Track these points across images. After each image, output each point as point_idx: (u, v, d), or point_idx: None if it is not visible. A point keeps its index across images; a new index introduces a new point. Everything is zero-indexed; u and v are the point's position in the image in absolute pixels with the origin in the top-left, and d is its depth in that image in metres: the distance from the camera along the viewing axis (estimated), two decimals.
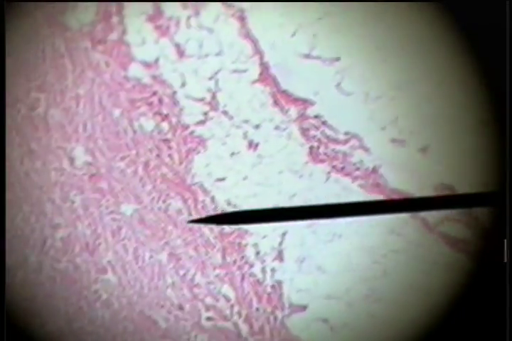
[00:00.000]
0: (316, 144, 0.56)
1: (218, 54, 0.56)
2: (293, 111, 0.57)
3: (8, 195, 0.56)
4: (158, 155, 0.57)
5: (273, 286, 0.57)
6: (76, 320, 0.56)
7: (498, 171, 0.55)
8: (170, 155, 0.57)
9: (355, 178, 0.56)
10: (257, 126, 0.57)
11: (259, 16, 0.56)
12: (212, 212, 0.57)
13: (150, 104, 0.57)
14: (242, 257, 0.57)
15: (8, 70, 0.57)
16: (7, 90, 0.54)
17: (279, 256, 0.57)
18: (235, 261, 0.57)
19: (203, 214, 0.57)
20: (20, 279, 0.56)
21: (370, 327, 0.55)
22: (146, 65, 0.56)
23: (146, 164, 0.57)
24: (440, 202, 0.55)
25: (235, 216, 0.54)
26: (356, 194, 0.56)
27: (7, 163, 0.56)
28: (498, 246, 0.55)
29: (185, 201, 0.57)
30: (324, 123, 0.56)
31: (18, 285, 0.56)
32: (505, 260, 0.52)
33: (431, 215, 0.55)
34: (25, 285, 0.56)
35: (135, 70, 0.57)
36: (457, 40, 0.54)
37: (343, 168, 0.56)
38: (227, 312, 0.57)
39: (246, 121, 0.57)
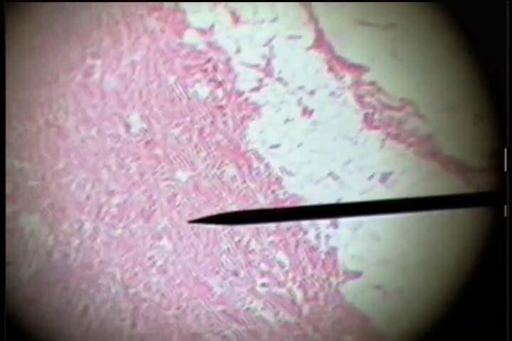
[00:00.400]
0: (370, 111, 0.60)
1: (273, 20, 0.60)
2: (348, 77, 0.60)
3: (65, 162, 0.60)
4: (212, 122, 0.61)
5: (327, 253, 0.60)
6: (131, 286, 0.60)
7: None
8: (224, 122, 0.61)
9: (409, 145, 0.60)
10: (312, 93, 0.61)
11: None
12: (266, 179, 0.60)
13: (205, 71, 0.61)
14: (296, 224, 0.61)
15: (62, 37, 0.61)
16: (63, 57, 0.58)
17: (334, 223, 0.60)
18: (289, 228, 0.61)
19: (258, 181, 0.61)
20: (75, 246, 0.61)
21: (423, 294, 0.59)
22: (201, 31, 0.60)
23: (201, 131, 0.61)
24: (440, 202, 0.58)
25: (235, 216, 0.58)
26: (410, 161, 0.59)
27: (63, 131, 0.61)
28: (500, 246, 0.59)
29: (239, 168, 0.61)
30: (379, 89, 0.60)
31: (73, 252, 0.61)
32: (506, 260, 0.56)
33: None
34: (80, 252, 0.61)
35: (190, 37, 0.61)
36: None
37: (397, 135, 0.60)
38: (282, 278, 0.61)
39: (301, 88, 0.61)
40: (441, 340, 0.62)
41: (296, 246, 0.62)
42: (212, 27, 0.62)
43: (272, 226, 0.62)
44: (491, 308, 0.61)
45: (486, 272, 0.61)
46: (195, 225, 0.62)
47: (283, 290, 0.62)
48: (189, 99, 0.62)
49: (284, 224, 0.62)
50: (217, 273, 0.62)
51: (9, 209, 0.61)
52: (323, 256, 0.62)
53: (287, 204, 0.62)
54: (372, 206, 0.59)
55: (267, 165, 0.62)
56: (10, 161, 0.61)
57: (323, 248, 0.62)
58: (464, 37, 0.61)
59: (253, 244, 0.62)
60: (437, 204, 0.58)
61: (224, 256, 0.62)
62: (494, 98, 0.60)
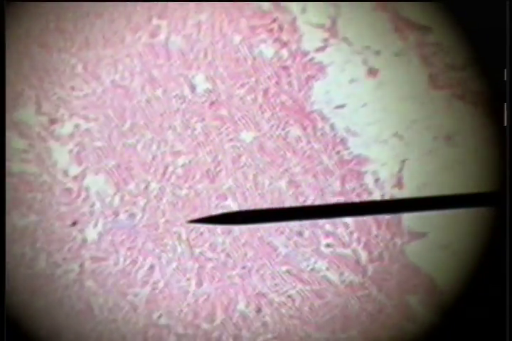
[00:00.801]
0: (435, 71, 0.63)
1: None
2: (413, 37, 0.64)
3: (130, 122, 0.65)
4: (277, 83, 0.65)
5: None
6: (197, 245, 0.65)
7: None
8: (289, 83, 0.65)
9: (474, 105, 0.63)
10: (378, 53, 0.64)
11: None
12: (330, 140, 0.64)
13: (270, 31, 0.65)
14: (361, 184, 0.65)
15: None
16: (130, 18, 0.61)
17: (399, 183, 0.64)
18: (354, 189, 0.65)
19: (322, 142, 0.65)
20: (141, 206, 0.65)
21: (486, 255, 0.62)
22: None
23: (266, 91, 0.65)
24: (440, 202, 0.61)
25: (235, 216, 0.62)
26: (478, 120, 0.63)
27: (129, 91, 0.65)
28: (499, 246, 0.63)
29: (304, 128, 0.65)
30: (443, 50, 0.63)
31: (139, 211, 0.65)
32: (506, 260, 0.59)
33: None
34: (146, 211, 0.65)
35: None
36: None
37: (463, 95, 0.63)
38: (347, 238, 0.64)
39: (366, 48, 0.64)
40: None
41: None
42: None
43: (336, 186, 0.66)
44: (491, 308, 0.64)
45: (486, 272, 0.65)
46: (261, 184, 0.66)
47: (347, 251, 0.66)
48: (254, 59, 0.66)
49: (349, 185, 0.66)
50: (281, 233, 0.66)
51: (75, 170, 0.65)
52: (387, 216, 0.65)
53: (352, 165, 0.66)
54: (373, 206, 0.63)
55: (332, 126, 0.66)
56: (76, 121, 0.66)
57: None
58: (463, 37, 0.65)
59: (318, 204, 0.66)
60: (437, 204, 0.61)
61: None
62: None
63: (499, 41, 0.62)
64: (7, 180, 0.67)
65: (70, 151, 0.67)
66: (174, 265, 0.67)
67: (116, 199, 0.67)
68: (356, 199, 0.67)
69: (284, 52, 0.67)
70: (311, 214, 0.63)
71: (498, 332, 0.64)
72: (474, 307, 0.65)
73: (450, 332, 0.66)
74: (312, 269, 0.67)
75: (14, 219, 0.67)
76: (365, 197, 0.67)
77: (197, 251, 0.67)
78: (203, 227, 0.67)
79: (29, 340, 0.66)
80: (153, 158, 0.67)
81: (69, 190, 0.67)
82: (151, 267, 0.67)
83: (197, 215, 0.67)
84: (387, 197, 0.67)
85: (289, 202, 0.67)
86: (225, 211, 0.66)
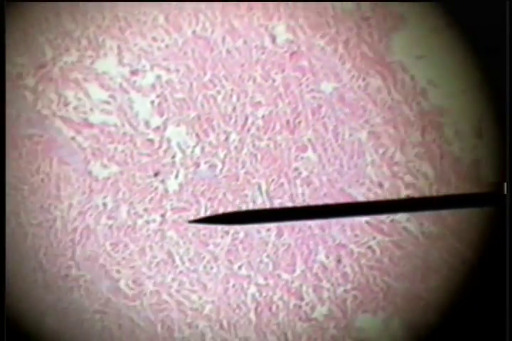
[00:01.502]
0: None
1: None
2: None
3: (211, 73, 0.66)
4: (358, 34, 0.66)
5: (471, 164, 0.65)
6: (276, 197, 0.66)
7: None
8: (370, 33, 0.66)
9: None
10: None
11: None
12: (411, 90, 0.66)
13: None
14: (441, 136, 0.66)
15: None
16: None
17: (478, 134, 0.65)
18: (434, 140, 0.66)
19: (402, 93, 0.66)
20: (221, 157, 0.67)
21: None
22: None
23: (346, 42, 0.66)
24: (440, 202, 0.62)
25: (235, 216, 0.63)
26: None
27: (210, 42, 0.66)
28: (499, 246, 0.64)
29: (384, 79, 0.66)
30: None
31: (220, 163, 0.67)
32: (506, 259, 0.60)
33: None
34: (227, 163, 0.67)
35: None
36: None
37: None
38: (426, 190, 0.66)
39: None
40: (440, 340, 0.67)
41: (441, 157, 0.67)
42: None
43: (417, 137, 0.67)
44: (490, 309, 0.66)
45: (485, 272, 0.66)
46: (341, 135, 0.67)
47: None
48: (334, 9, 0.68)
49: (429, 136, 0.67)
50: (362, 184, 0.68)
51: (157, 121, 0.67)
52: (466, 168, 0.67)
53: (432, 116, 0.67)
54: (373, 206, 0.64)
55: (412, 77, 0.68)
56: (158, 73, 0.68)
57: (465, 160, 0.67)
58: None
59: (398, 156, 0.68)
60: (437, 204, 0.62)
61: (369, 168, 0.68)
62: None
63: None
64: (88, 131, 0.69)
65: (152, 102, 0.69)
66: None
67: (197, 150, 0.69)
68: (437, 151, 0.69)
69: (365, 3, 0.69)
70: (314, 214, 0.65)
71: (499, 332, 0.66)
72: (474, 307, 0.67)
73: (450, 332, 0.68)
74: (392, 220, 0.68)
75: (96, 170, 0.69)
76: (446, 148, 0.68)
77: (277, 202, 0.69)
78: (283, 178, 0.69)
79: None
80: (234, 109, 0.69)
81: (150, 141, 0.69)
82: None
83: (277, 166, 0.69)
84: (467, 149, 0.68)
85: (368, 153, 0.69)
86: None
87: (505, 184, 0.60)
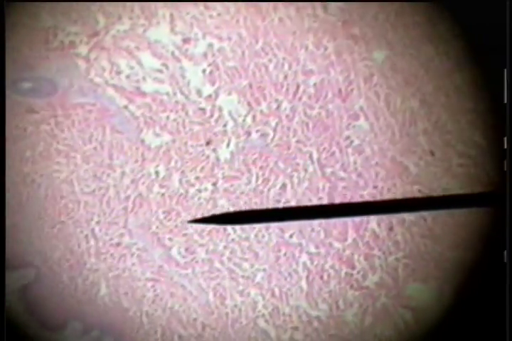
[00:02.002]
0: None
1: None
2: None
3: (263, 41, 0.67)
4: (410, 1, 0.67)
5: None
6: (328, 165, 0.67)
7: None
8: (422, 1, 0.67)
9: None
10: None
11: None
12: (462, 58, 0.66)
13: None
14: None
15: None
16: None
17: None
18: (487, 108, 0.67)
19: (454, 61, 0.66)
20: (273, 126, 0.68)
21: None
22: None
23: (398, 10, 0.67)
24: (440, 202, 0.63)
25: (235, 216, 0.63)
26: None
27: (261, 10, 0.67)
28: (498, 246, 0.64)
29: (436, 47, 0.67)
30: None
31: (271, 131, 0.68)
32: (505, 260, 0.60)
33: None
34: (278, 131, 0.68)
35: None
36: None
37: None
38: (480, 159, 0.67)
39: None
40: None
41: (493, 126, 0.68)
42: None
43: (470, 105, 0.68)
44: (490, 309, 0.66)
45: (485, 272, 0.67)
46: (393, 103, 0.68)
47: (479, 171, 0.68)
48: None
49: (482, 105, 0.68)
50: (413, 153, 0.68)
51: (208, 89, 0.69)
52: None
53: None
54: (373, 206, 0.65)
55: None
56: (210, 41, 0.69)
57: None
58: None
59: (450, 125, 0.68)
60: (437, 204, 0.63)
61: (420, 136, 0.69)
62: None
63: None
64: (140, 100, 0.70)
65: (203, 71, 0.70)
66: (306, 184, 0.70)
67: (249, 119, 0.70)
68: (488, 118, 0.69)
69: None
70: (315, 214, 0.65)
71: (498, 332, 0.66)
72: (474, 307, 0.67)
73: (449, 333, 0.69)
74: (444, 189, 0.69)
75: (148, 138, 0.70)
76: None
77: (328, 170, 0.70)
78: (335, 147, 0.70)
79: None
80: (285, 77, 0.70)
81: (202, 110, 0.70)
82: (283, 186, 0.70)
83: (328, 135, 0.70)
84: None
85: (420, 122, 0.70)
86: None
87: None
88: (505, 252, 0.60)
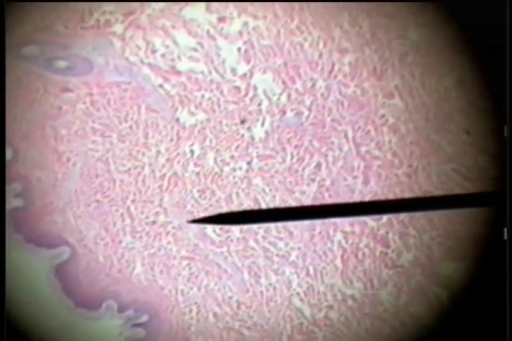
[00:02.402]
0: None
1: None
2: None
3: (298, 20, 0.68)
4: None
5: None
6: (363, 144, 0.68)
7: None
8: None
9: None
10: None
11: None
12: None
13: None
14: None
15: None
16: None
17: None
18: None
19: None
20: (308, 105, 0.68)
21: None
22: None
23: None
24: (440, 202, 0.63)
25: (235, 216, 0.64)
26: None
27: None
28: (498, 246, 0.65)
29: None
30: None
31: (306, 110, 0.68)
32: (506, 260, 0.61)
33: None
34: (313, 110, 0.68)
35: None
36: None
37: None
38: None
39: None
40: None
41: None
42: None
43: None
44: (490, 310, 0.67)
45: (485, 272, 0.67)
46: (427, 83, 0.69)
47: None
48: None
49: None
50: (447, 131, 0.69)
51: (243, 68, 0.69)
52: None
53: None
54: (373, 206, 0.65)
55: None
56: (245, 19, 0.69)
57: None
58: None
59: (483, 104, 0.69)
60: (437, 204, 0.63)
61: (455, 115, 0.69)
62: None
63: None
64: (175, 78, 0.71)
65: (239, 49, 0.71)
66: (341, 163, 0.71)
67: (284, 97, 0.71)
68: None
69: None
70: (319, 214, 0.66)
71: (499, 332, 0.67)
72: (474, 307, 0.68)
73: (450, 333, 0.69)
74: (480, 168, 0.70)
75: (183, 117, 0.71)
76: None
77: (363, 149, 0.71)
78: (370, 125, 0.71)
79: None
80: (320, 55, 0.71)
81: (237, 88, 0.71)
82: (318, 165, 0.71)
83: (363, 113, 0.71)
84: None
85: (456, 100, 0.70)
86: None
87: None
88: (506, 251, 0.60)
